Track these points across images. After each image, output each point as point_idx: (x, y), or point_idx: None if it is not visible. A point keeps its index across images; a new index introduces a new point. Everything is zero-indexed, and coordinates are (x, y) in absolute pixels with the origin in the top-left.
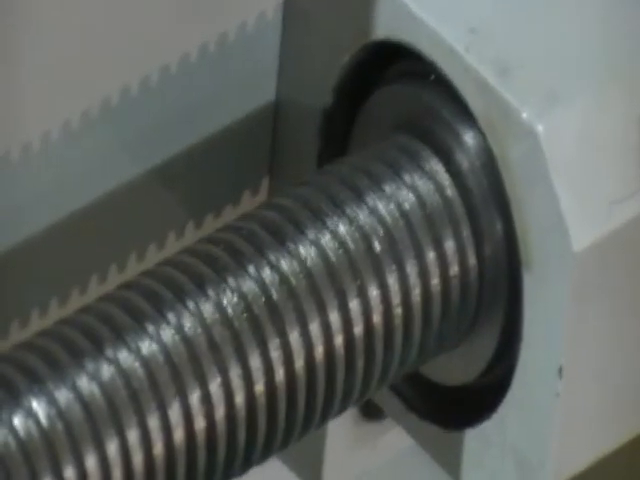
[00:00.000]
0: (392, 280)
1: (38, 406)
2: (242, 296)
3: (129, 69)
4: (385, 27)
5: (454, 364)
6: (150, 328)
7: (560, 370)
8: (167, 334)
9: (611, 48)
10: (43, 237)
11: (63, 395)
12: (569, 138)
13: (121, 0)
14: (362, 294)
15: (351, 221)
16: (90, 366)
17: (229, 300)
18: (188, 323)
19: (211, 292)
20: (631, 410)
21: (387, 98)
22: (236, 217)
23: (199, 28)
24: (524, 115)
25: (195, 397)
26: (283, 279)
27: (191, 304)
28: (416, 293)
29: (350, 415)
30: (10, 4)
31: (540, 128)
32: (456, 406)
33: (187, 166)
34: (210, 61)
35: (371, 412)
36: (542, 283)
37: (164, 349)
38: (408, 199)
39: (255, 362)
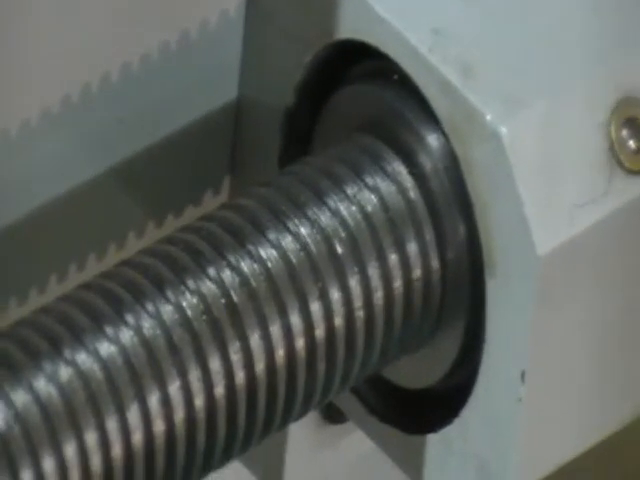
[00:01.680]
0: (354, 283)
1: None
2: (202, 298)
3: (89, 67)
4: (349, 27)
5: (416, 367)
6: (109, 330)
7: (523, 375)
8: (126, 336)
9: (575, 51)
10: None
11: (20, 397)
12: (533, 141)
13: None
14: (323, 296)
15: (312, 223)
16: (48, 367)
17: (188, 302)
18: (147, 325)
19: (170, 294)
20: (596, 415)
21: (350, 98)
22: (196, 217)
23: (160, 26)
24: (488, 117)
25: (154, 399)
26: (243, 281)
27: (150, 306)
28: (378, 296)
29: (312, 418)
30: None
31: (504, 130)
32: (418, 410)
33: (148, 165)
34: (172, 59)
35: (333, 415)
36: (505, 287)
37: (123, 351)
38: (370, 201)
39: (215, 365)
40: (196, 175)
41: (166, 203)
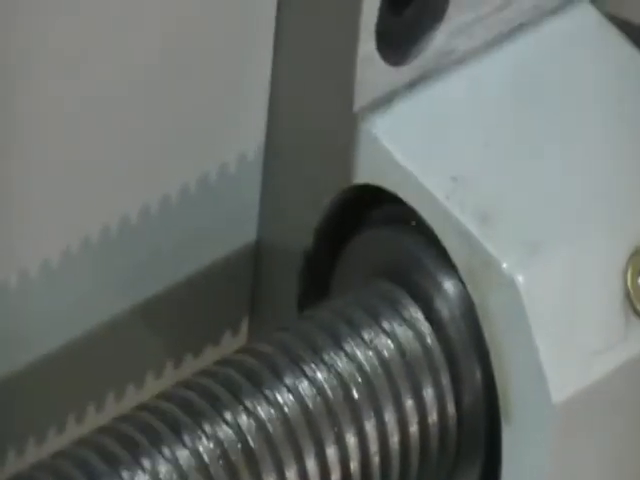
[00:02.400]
0: (370, 427)
1: None
2: (218, 442)
3: (109, 210)
4: (367, 171)
5: None
6: (125, 474)
7: None
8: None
9: (592, 198)
10: (19, 374)
11: None
12: (550, 288)
13: (100, 141)
14: (340, 441)
15: (329, 368)
16: None
17: (205, 446)
18: (164, 469)
19: (187, 438)
20: None
21: (368, 242)
22: (214, 361)
23: (180, 168)
24: (504, 265)
25: None
26: (260, 425)
27: (166, 450)
28: (394, 440)
29: None
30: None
31: (520, 279)
32: None
33: (168, 305)
34: (191, 201)
35: None
36: (521, 433)
37: None
38: (387, 346)
39: None
40: (215, 316)
41: (185, 344)
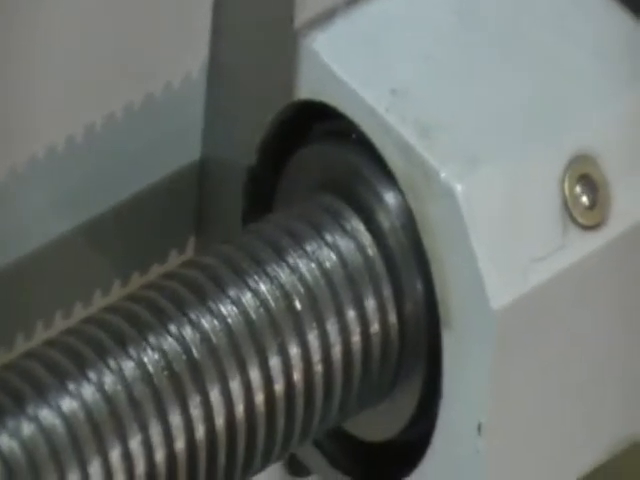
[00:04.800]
0: (313, 338)
1: None
2: (163, 354)
3: (55, 128)
4: (308, 87)
5: (377, 420)
6: (71, 386)
7: (480, 427)
8: (88, 392)
9: (530, 110)
10: None
11: None
12: (488, 198)
13: (44, 62)
14: (283, 352)
15: (272, 280)
16: (10, 424)
17: (150, 358)
18: (109, 380)
19: (132, 350)
20: (557, 465)
21: (310, 157)
22: (158, 275)
23: (124, 87)
24: (443, 175)
25: (115, 454)
26: (204, 337)
27: (112, 362)
28: (337, 351)
29: (276, 471)
30: None
31: (459, 188)
32: (380, 462)
33: (113, 224)
34: (136, 120)
35: (297, 468)
36: (462, 341)
37: (85, 406)
38: (329, 258)
39: (175, 419)
40: (161, 234)
41: (132, 262)
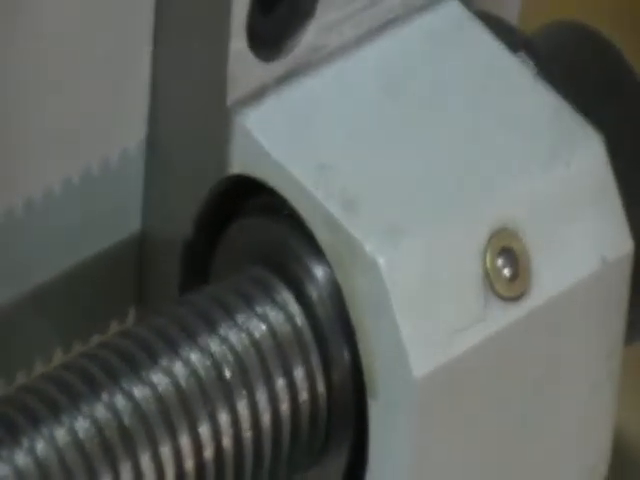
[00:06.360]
0: (242, 405)
1: None
2: (94, 422)
3: None
4: (240, 162)
5: None
6: (3, 452)
7: None
8: (20, 458)
9: (453, 182)
10: None
11: None
12: (411, 269)
13: None
14: (212, 419)
15: (202, 350)
16: None
17: (80, 425)
18: (40, 446)
19: (64, 417)
20: None
21: (243, 231)
22: (92, 345)
23: (63, 163)
24: (367, 248)
25: None
26: (135, 405)
27: (45, 430)
28: (266, 418)
29: None
30: None
31: (381, 260)
32: None
33: (54, 295)
34: (74, 194)
35: None
36: (386, 410)
37: (17, 474)
38: (259, 328)
39: None
40: (103, 305)
41: (73, 332)
